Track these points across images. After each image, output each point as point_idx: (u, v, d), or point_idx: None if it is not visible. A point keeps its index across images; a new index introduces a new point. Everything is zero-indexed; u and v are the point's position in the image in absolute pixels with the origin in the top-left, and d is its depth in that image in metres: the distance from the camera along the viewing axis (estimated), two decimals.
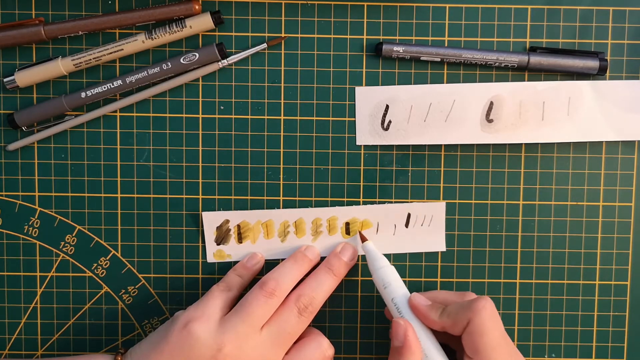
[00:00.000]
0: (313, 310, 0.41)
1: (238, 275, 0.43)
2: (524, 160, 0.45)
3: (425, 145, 0.45)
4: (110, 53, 0.43)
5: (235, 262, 0.45)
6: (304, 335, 0.42)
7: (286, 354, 0.40)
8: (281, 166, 0.45)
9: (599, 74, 0.44)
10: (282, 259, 0.45)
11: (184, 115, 0.44)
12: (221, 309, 0.40)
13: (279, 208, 0.45)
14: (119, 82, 0.43)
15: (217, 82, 0.44)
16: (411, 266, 0.45)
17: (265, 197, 0.45)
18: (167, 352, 0.38)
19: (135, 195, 0.45)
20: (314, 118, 0.45)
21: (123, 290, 0.46)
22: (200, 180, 0.45)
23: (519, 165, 0.45)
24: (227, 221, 0.45)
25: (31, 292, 0.45)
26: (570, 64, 0.43)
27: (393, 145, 0.45)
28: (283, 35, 0.44)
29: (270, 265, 0.45)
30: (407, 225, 0.45)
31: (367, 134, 0.44)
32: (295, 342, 0.41)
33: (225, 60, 0.43)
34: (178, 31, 0.43)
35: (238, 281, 0.43)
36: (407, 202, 0.45)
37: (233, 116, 0.44)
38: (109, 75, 0.44)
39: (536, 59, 0.43)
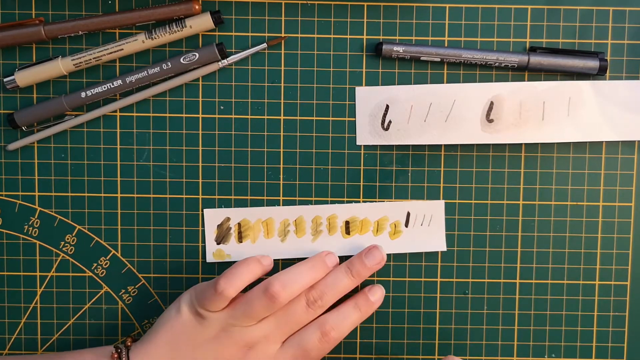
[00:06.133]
0: (322, 305, 0.41)
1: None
2: (524, 160, 0.45)
3: (425, 145, 0.45)
4: (110, 53, 0.43)
5: (235, 262, 0.45)
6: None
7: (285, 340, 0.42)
8: (281, 166, 0.45)
9: (599, 74, 0.44)
10: (282, 260, 0.45)
11: (184, 115, 0.44)
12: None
13: None
14: (119, 82, 0.43)
15: (217, 82, 0.44)
16: (411, 266, 0.45)
17: (265, 197, 0.45)
18: (170, 335, 0.40)
19: (135, 195, 0.45)
20: (314, 118, 0.45)
21: (123, 290, 0.46)
22: (200, 180, 0.45)
23: (519, 165, 0.45)
24: (228, 219, 0.45)
25: (31, 292, 0.45)
26: (570, 64, 0.43)
27: (393, 145, 0.45)
28: (283, 35, 0.44)
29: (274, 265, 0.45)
30: (406, 224, 0.45)
31: (367, 134, 0.44)
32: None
33: (225, 60, 0.43)
34: (178, 31, 0.43)
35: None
36: (407, 201, 0.45)
37: (233, 116, 0.44)
38: (109, 75, 0.44)
39: (536, 59, 0.43)
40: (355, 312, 0.43)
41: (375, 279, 0.45)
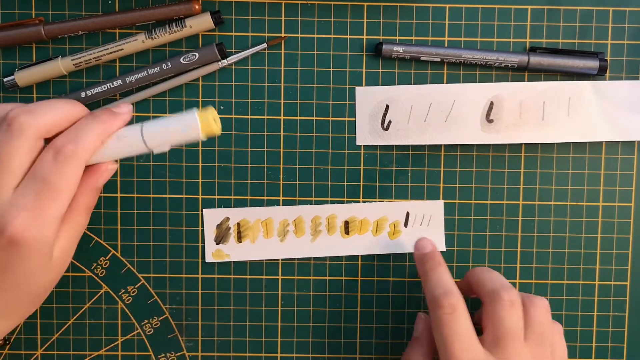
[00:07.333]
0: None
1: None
2: (524, 161, 0.45)
3: (425, 145, 0.45)
4: (110, 53, 0.43)
5: (234, 262, 0.45)
6: None
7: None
8: (281, 166, 0.45)
9: (599, 74, 0.44)
10: (282, 259, 0.45)
11: None
12: None
13: None
14: (119, 82, 0.43)
15: (217, 82, 0.44)
16: (411, 266, 0.45)
17: (265, 197, 0.45)
18: None
19: (135, 195, 0.45)
20: (314, 118, 0.45)
21: (123, 290, 0.46)
22: (200, 180, 0.45)
23: (519, 166, 0.45)
24: (227, 219, 0.45)
25: None
26: (570, 64, 0.43)
27: (393, 145, 0.45)
28: (283, 35, 0.44)
29: (270, 265, 0.45)
30: (406, 224, 0.45)
31: (367, 134, 0.44)
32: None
33: (225, 60, 0.43)
34: (178, 31, 0.43)
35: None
36: (406, 201, 0.45)
37: (233, 116, 0.44)
38: (109, 75, 0.44)
39: (536, 59, 0.43)
40: (92, 122, 0.35)
41: (375, 279, 0.46)
